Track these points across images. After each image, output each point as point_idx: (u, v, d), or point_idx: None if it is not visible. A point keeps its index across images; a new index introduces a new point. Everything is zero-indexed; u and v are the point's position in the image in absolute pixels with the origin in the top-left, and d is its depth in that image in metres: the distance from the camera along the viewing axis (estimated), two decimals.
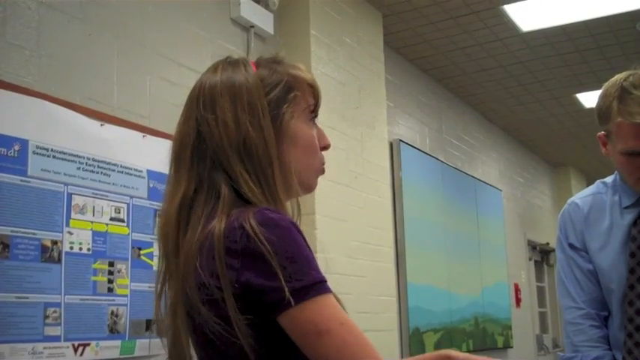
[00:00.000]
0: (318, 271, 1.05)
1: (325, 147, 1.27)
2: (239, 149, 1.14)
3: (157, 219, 1.23)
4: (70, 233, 2.55)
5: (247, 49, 3.75)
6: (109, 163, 2.75)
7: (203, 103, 1.19)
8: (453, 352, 1.05)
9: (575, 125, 7.68)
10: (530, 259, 8.54)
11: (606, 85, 1.90)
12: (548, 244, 8.91)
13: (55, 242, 2.49)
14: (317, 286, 1.03)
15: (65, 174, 2.56)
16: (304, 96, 1.23)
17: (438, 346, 5.42)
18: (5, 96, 2.40)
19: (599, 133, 1.94)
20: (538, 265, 9.18)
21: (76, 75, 2.74)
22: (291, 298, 1.00)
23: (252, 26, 3.77)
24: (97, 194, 2.68)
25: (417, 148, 5.63)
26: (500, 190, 7.47)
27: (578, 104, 6.98)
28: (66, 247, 2.53)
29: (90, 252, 2.62)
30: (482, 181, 6.99)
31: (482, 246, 6.66)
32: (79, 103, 2.71)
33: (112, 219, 2.73)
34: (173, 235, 1.15)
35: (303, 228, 1.12)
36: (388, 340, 4.48)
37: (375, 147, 4.57)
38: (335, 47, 4.22)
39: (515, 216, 8.10)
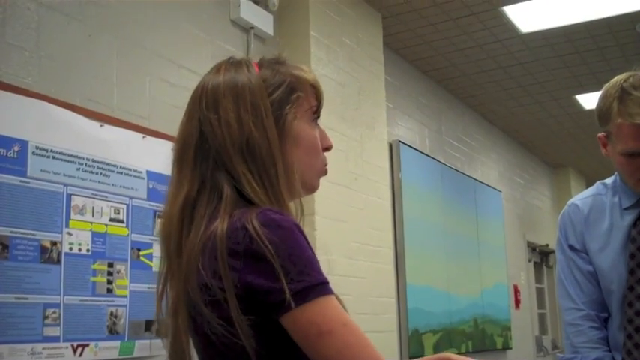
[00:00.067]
0: (321, 272, 1.05)
1: (328, 148, 1.27)
2: (242, 149, 1.14)
3: (160, 219, 1.22)
4: (70, 234, 2.55)
5: (247, 50, 3.75)
6: (108, 164, 2.75)
7: (206, 103, 1.19)
8: (453, 355, 1.05)
9: (575, 126, 7.69)
10: (529, 261, 8.54)
11: (606, 86, 1.90)
12: (547, 245, 8.91)
13: (54, 243, 2.49)
14: (319, 287, 1.03)
15: (65, 175, 2.56)
16: (307, 97, 1.23)
17: (437, 347, 5.42)
18: (5, 97, 2.40)
19: (599, 134, 1.94)
20: (537, 266, 9.18)
21: (75, 76, 2.74)
22: (292, 300, 1.00)
23: (252, 27, 3.77)
24: (96, 195, 2.68)
25: (417, 150, 5.63)
26: (500, 191, 7.47)
27: (577, 106, 6.98)
28: (65, 248, 2.53)
29: (89, 253, 2.62)
30: (482, 183, 6.99)
31: (481, 247, 6.66)
32: (79, 104, 2.71)
33: (111, 220, 2.73)
34: (176, 235, 1.15)
35: (303, 229, 1.12)
36: (387, 341, 4.49)
37: (374, 148, 4.57)
38: (334, 48, 4.22)
39: (515, 217, 8.10)
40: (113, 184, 2.76)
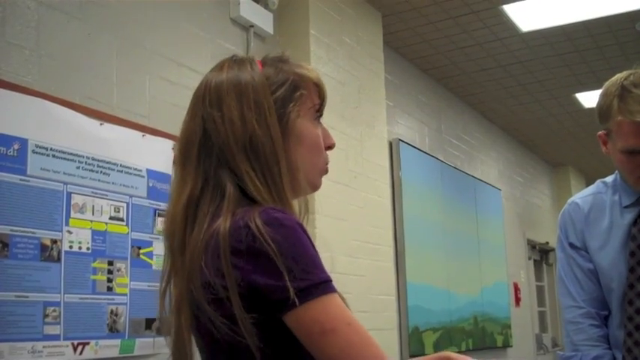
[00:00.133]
0: (324, 270, 1.05)
1: (330, 146, 1.27)
2: (245, 147, 1.14)
3: (163, 217, 1.23)
4: (70, 232, 2.55)
5: (247, 48, 3.75)
6: (108, 163, 2.75)
7: (209, 100, 1.18)
8: (453, 354, 1.06)
9: (575, 125, 7.69)
10: (529, 259, 8.54)
11: (607, 84, 1.90)
12: (547, 243, 8.91)
13: (54, 241, 2.49)
14: (322, 285, 1.03)
15: (65, 173, 2.56)
16: (310, 95, 1.23)
17: (437, 345, 5.42)
18: (5, 95, 2.40)
19: (600, 132, 1.95)
20: (537, 264, 9.19)
21: (75, 74, 2.74)
22: (296, 298, 1.00)
23: (252, 26, 3.77)
24: (96, 193, 2.68)
25: (417, 148, 5.63)
26: (500, 189, 7.47)
27: (577, 104, 6.98)
28: (65, 246, 2.53)
29: (89, 251, 2.62)
30: (482, 181, 6.99)
31: (481, 245, 6.66)
32: (79, 103, 2.71)
33: (111, 218, 2.73)
34: (180, 233, 1.15)
35: (307, 227, 1.12)
36: (387, 340, 4.49)
37: (374, 146, 4.57)
38: (334, 47, 4.22)
39: (515, 215, 8.10)
40: (113, 183, 2.76)
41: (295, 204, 1.20)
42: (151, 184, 2.93)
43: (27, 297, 2.37)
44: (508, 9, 4.90)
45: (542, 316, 9.14)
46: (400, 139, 5.31)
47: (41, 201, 2.46)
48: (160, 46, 3.16)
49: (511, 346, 7.13)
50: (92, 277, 2.62)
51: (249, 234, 1.04)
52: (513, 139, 8.25)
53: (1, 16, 2.48)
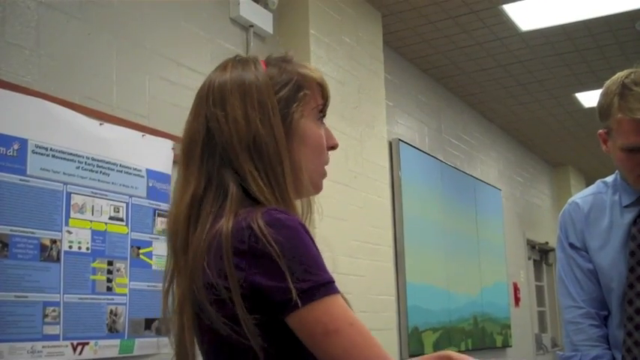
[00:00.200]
0: (326, 271, 1.05)
1: (333, 147, 1.27)
2: (249, 147, 1.14)
3: (167, 216, 1.22)
4: (69, 232, 2.55)
5: (247, 48, 3.75)
6: (108, 163, 2.75)
7: (213, 100, 1.18)
8: (453, 354, 1.05)
9: (575, 125, 7.68)
10: (529, 259, 8.54)
11: (607, 83, 1.91)
12: (547, 243, 8.91)
13: (54, 241, 2.49)
14: (325, 286, 1.03)
15: (64, 173, 2.56)
16: (313, 95, 1.23)
17: (436, 345, 5.42)
18: (4, 95, 2.40)
19: (600, 131, 1.95)
20: (537, 264, 9.19)
21: (75, 74, 2.73)
22: (298, 299, 1.00)
23: (252, 26, 3.77)
24: (96, 193, 2.68)
25: (417, 148, 5.63)
26: (500, 189, 7.47)
27: (577, 104, 6.98)
28: (65, 246, 2.53)
29: (89, 251, 2.62)
30: (482, 181, 6.99)
31: (481, 245, 6.66)
32: (79, 103, 2.71)
33: (111, 218, 2.73)
34: (183, 232, 1.15)
35: (309, 227, 1.12)
36: (387, 340, 4.49)
37: (374, 146, 4.57)
38: (334, 47, 4.22)
39: (515, 215, 8.10)
40: (113, 183, 2.76)
41: (298, 204, 1.20)
42: (150, 184, 2.93)
43: (26, 297, 2.37)
44: (508, 8, 4.90)
45: (541, 316, 9.14)
46: (400, 139, 5.31)
47: (41, 201, 2.46)
48: (159, 46, 3.16)
49: (511, 346, 7.13)
50: (92, 277, 2.62)
51: (251, 235, 1.04)
52: (513, 138, 8.25)
53: (1, 16, 2.48)
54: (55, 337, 2.45)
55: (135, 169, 2.87)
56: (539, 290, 9.19)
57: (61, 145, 2.56)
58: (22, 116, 2.44)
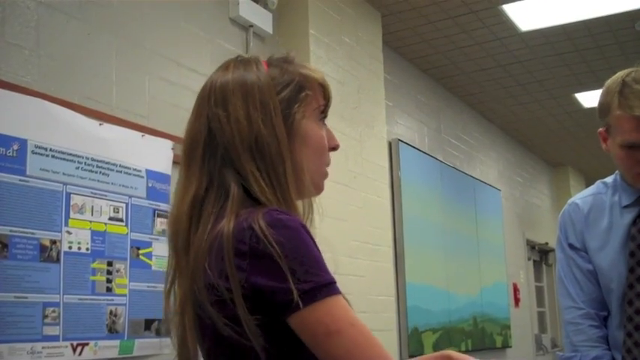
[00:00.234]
0: (328, 272, 1.05)
1: (334, 147, 1.27)
2: (251, 147, 1.14)
3: (168, 217, 1.22)
4: (69, 233, 2.55)
5: (246, 48, 3.75)
6: (107, 163, 2.74)
7: (215, 100, 1.18)
8: (454, 353, 1.06)
9: (574, 125, 7.68)
10: (529, 259, 8.54)
11: (608, 81, 1.92)
12: (547, 243, 8.91)
13: (53, 242, 2.49)
14: (326, 287, 1.03)
15: (64, 173, 2.56)
16: (315, 96, 1.23)
17: (436, 345, 5.42)
18: (4, 95, 2.40)
19: (600, 129, 1.96)
20: (537, 264, 9.18)
21: (74, 74, 2.73)
22: (300, 300, 1.00)
23: (251, 26, 3.77)
24: (95, 194, 2.68)
25: (416, 148, 5.63)
26: (499, 189, 7.47)
27: (577, 104, 6.98)
28: (65, 247, 2.53)
29: (89, 251, 2.62)
30: (481, 181, 6.99)
31: (481, 246, 6.66)
32: (78, 103, 2.70)
33: (110, 218, 2.73)
34: (184, 233, 1.15)
35: (310, 228, 1.12)
36: (387, 340, 4.49)
37: (373, 146, 4.57)
38: (334, 47, 4.22)
39: (514, 216, 8.10)
40: (112, 183, 2.76)
41: (299, 205, 1.20)
42: (150, 185, 2.93)
43: (26, 298, 2.37)
44: (507, 8, 4.90)
45: (541, 316, 9.14)
46: (399, 139, 5.31)
47: (40, 201, 2.46)
48: (159, 46, 3.16)
49: (510, 347, 7.13)
50: (91, 277, 2.61)
51: (252, 236, 1.03)
52: (513, 139, 8.25)
53: (1, 16, 2.48)
54: (55, 338, 2.45)
55: (134, 169, 2.86)
56: (539, 291, 9.19)
57: (61, 145, 2.56)
58: (21, 116, 2.44)
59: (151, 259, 2.87)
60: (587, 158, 9.16)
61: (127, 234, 2.79)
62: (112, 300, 2.69)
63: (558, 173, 9.82)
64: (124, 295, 2.74)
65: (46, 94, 2.57)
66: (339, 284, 1.07)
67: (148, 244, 2.87)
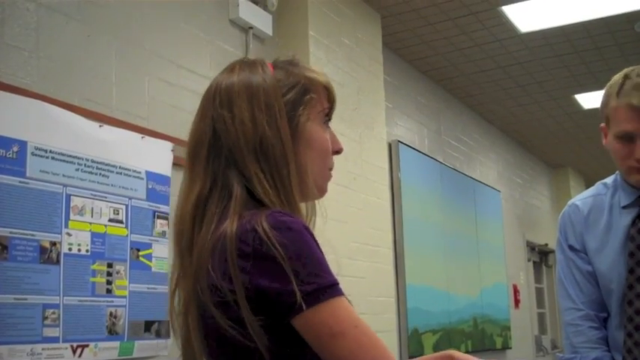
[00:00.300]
0: (331, 273, 1.06)
1: (338, 151, 1.27)
2: (255, 149, 1.14)
3: (173, 217, 1.22)
4: (69, 234, 2.55)
5: (246, 50, 3.75)
6: (107, 165, 2.74)
7: (220, 101, 1.19)
8: (456, 353, 1.06)
9: (574, 126, 7.68)
10: (528, 260, 8.54)
11: (612, 78, 1.94)
12: (546, 245, 8.91)
13: (53, 243, 2.49)
14: (330, 288, 1.04)
15: (64, 175, 2.56)
16: (320, 99, 1.24)
17: (436, 347, 5.42)
18: (4, 97, 2.40)
19: (601, 125, 1.97)
20: (537, 266, 9.18)
21: (74, 76, 2.73)
22: (303, 302, 1.01)
23: (251, 27, 3.77)
24: (95, 195, 2.68)
25: (416, 149, 5.63)
26: (499, 191, 7.47)
27: (576, 105, 6.98)
28: (65, 249, 2.53)
29: (89, 253, 2.62)
30: (481, 182, 6.99)
31: (480, 247, 6.66)
32: (78, 105, 2.71)
33: (110, 220, 2.73)
34: (188, 233, 1.15)
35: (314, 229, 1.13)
36: (387, 341, 4.45)
37: (373, 148, 4.57)
38: (333, 48, 4.22)
39: (514, 217, 8.10)
40: (112, 185, 2.76)
41: (302, 207, 1.20)
42: (150, 186, 2.93)
43: (26, 299, 2.37)
44: (507, 10, 4.90)
45: (541, 317, 9.14)
46: (399, 141, 5.31)
47: (40, 203, 2.46)
48: (159, 48, 3.16)
49: (510, 348, 7.13)
50: (91, 279, 2.61)
51: (256, 237, 1.04)
52: (512, 140, 8.25)
53: (0, 18, 2.48)
54: (55, 340, 2.45)
55: (134, 170, 2.86)
56: (539, 292, 9.19)
57: (61, 147, 2.56)
58: (21, 118, 2.44)
59: (150, 260, 2.87)
60: (586, 159, 9.16)
61: (127, 235, 2.79)
62: (112, 301, 2.69)
63: (558, 174, 9.82)
64: (124, 297, 2.74)
65: (46, 95, 2.57)
66: (340, 286, 1.07)
67: (148, 246, 2.87)
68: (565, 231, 2.05)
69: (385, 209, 4.73)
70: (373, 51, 4.71)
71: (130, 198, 2.83)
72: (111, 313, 2.68)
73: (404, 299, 5.05)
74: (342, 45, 4.31)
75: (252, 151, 1.14)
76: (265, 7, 3.87)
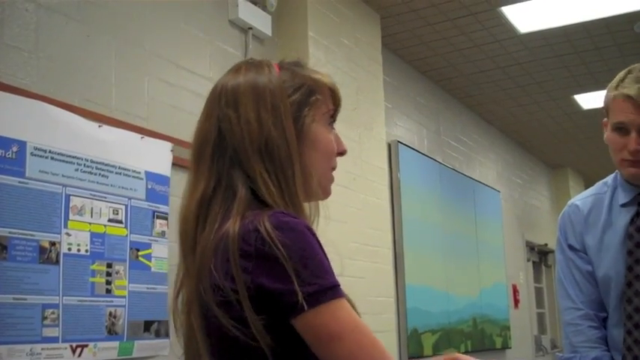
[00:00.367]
0: (332, 275, 1.06)
1: (342, 152, 1.27)
2: (260, 149, 1.14)
3: (178, 216, 1.23)
4: (68, 234, 2.55)
5: (245, 50, 3.75)
6: (107, 165, 2.75)
7: (226, 101, 1.19)
8: (461, 356, 1.06)
9: (573, 126, 7.68)
10: (528, 260, 8.55)
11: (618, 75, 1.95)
12: (546, 245, 8.91)
13: (53, 243, 2.49)
14: (331, 290, 1.04)
15: (63, 175, 2.56)
16: (325, 100, 1.24)
17: (436, 347, 5.42)
18: (3, 97, 2.40)
19: (604, 120, 1.98)
20: (536, 266, 9.19)
21: (74, 76, 2.74)
22: (304, 302, 1.01)
23: (250, 28, 3.77)
24: (95, 195, 2.68)
25: (415, 150, 5.63)
26: (499, 191, 7.47)
27: (576, 106, 6.98)
28: (64, 249, 2.53)
29: (88, 253, 2.62)
30: (481, 183, 7.00)
31: (480, 247, 6.67)
32: (77, 105, 2.71)
33: (110, 220, 2.73)
34: (192, 232, 1.16)
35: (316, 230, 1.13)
36: (386, 341, 4.48)
37: (373, 148, 4.58)
38: (333, 49, 4.22)
39: (514, 217, 8.10)
40: (112, 185, 2.76)
41: (305, 207, 1.20)
42: (149, 187, 2.93)
43: (25, 299, 2.37)
44: (506, 10, 4.91)
45: (541, 317, 9.14)
46: (399, 141, 5.31)
47: (40, 203, 2.46)
48: (158, 48, 3.16)
49: (510, 348, 7.13)
50: (91, 279, 2.62)
51: (258, 238, 1.04)
52: (512, 140, 8.25)
53: (0, 18, 2.48)
54: (55, 340, 2.45)
55: (134, 171, 2.87)
56: (539, 292, 9.19)
57: (60, 147, 2.56)
58: (20, 118, 2.44)
59: (150, 260, 2.87)
60: (586, 160, 9.16)
61: (127, 236, 2.79)
62: (112, 301, 2.69)
63: (557, 175, 9.82)
64: (124, 297, 2.74)
65: (46, 95, 2.57)
66: (341, 287, 1.08)
67: (148, 246, 2.87)
68: (565, 231, 2.05)
69: (384, 209, 4.73)
70: (372, 51, 4.71)
71: (130, 198, 2.83)
72: (110, 313, 2.68)
73: (403, 299, 5.05)
74: (341, 45, 4.31)
75: (257, 152, 1.14)
76: (265, 8, 3.87)
